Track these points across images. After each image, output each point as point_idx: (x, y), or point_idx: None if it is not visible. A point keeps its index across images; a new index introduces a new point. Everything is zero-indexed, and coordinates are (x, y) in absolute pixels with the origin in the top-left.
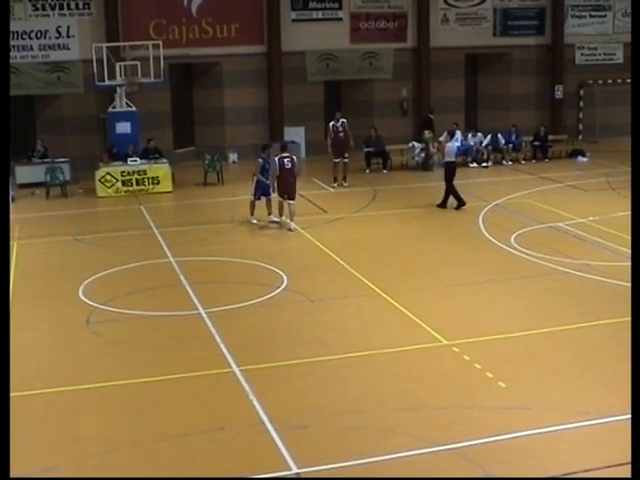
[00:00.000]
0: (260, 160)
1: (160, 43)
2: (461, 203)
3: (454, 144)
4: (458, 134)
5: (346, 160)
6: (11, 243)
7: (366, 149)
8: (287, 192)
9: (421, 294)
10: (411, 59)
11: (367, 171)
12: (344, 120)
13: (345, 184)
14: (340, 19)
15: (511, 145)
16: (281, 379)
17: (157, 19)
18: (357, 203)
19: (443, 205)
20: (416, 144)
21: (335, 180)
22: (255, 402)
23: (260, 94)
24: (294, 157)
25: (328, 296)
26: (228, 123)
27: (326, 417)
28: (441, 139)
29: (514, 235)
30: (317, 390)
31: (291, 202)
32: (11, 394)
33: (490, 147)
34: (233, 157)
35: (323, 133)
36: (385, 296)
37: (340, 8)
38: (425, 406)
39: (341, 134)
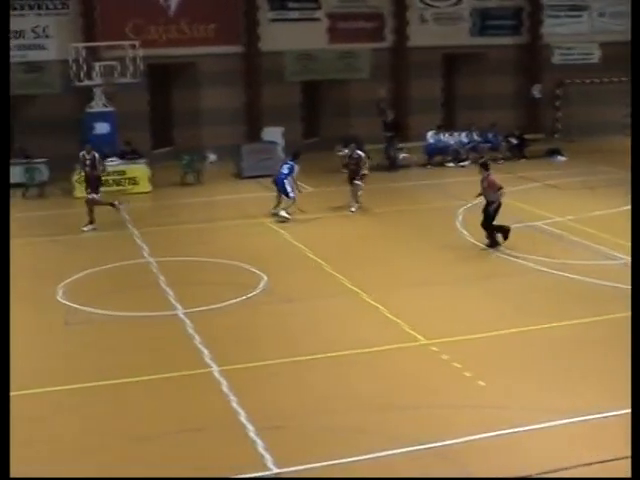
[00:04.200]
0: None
1: (137, 43)
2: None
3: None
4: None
5: (354, 185)
6: None
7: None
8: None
9: (400, 293)
10: (389, 59)
11: (345, 171)
12: (360, 153)
13: (352, 209)
14: (318, 19)
15: (489, 144)
16: (259, 379)
17: (135, 19)
18: (336, 203)
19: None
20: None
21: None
22: (233, 402)
23: (238, 94)
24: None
25: (306, 296)
26: (206, 123)
27: (303, 417)
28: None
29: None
30: (294, 390)
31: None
32: None
33: (468, 146)
34: (212, 157)
35: (301, 133)
36: (363, 295)
37: (318, 8)
38: (402, 405)
39: (353, 166)
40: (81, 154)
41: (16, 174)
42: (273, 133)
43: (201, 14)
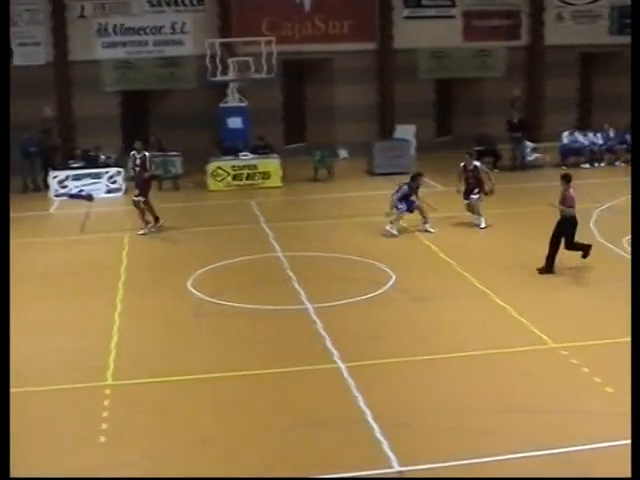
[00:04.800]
0: (405, 187)
1: (273, 39)
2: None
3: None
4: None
5: (470, 200)
6: (123, 235)
7: (476, 148)
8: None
9: (531, 296)
10: (524, 58)
11: (461, 188)
12: (476, 164)
13: (482, 225)
14: (453, 17)
15: (625, 145)
16: (384, 377)
17: (270, 16)
18: None
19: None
20: (529, 144)
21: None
22: (358, 399)
23: (371, 91)
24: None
25: (434, 295)
26: (339, 120)
27: (429, 416)
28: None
29: (626, 237)
30: (421, 389)
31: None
32: (115, 382)
33: (604, 147)
34: (343, 153)
35: (433, 131)
36: (493, 297)
37: (453, 6)
38: (528, 409)
39: (471, 180)
40: (132, 153)
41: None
42: (405, 131)
43: (336, 11)
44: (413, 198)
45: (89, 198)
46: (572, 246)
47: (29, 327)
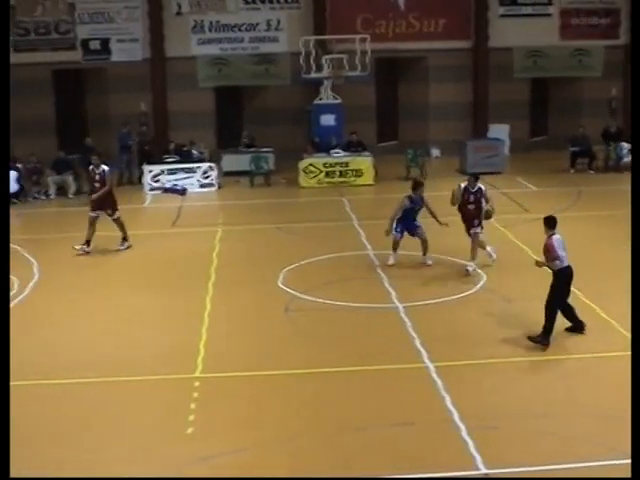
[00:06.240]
0: (406, 200)
1: (368, 37)
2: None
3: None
4: None
5: (473, 233)
6: (215, 229)
7: (572, 148)
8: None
9: (621, 298)
10: (623, 57)
11: (572, 171)
12: (482, 187)
13: (468, 268)
14: (549, 15)
15: None
16: (473, 377)
17: (364, 13)
18: (560, 203)
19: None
20: (625, 145)
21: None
22: (446, 399)
23: (465, 90)
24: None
25: (525, 296)
26: (432, 118)
27: (519, 419)
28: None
29: None
30: (508, 391)
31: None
32: (204, 375)
33: None
34: (435, 152)
35: (528, 131)
36: (586, 300)
37: (550, 4)
38: (622, 416)
39: (471, 206)
40: (90, 168)
41: (243, 162)
42: (499, 130)
43: (431, 9)
44: (417, 222)
45: (183, 192)
46: (551, 307)
47: (122, 318)
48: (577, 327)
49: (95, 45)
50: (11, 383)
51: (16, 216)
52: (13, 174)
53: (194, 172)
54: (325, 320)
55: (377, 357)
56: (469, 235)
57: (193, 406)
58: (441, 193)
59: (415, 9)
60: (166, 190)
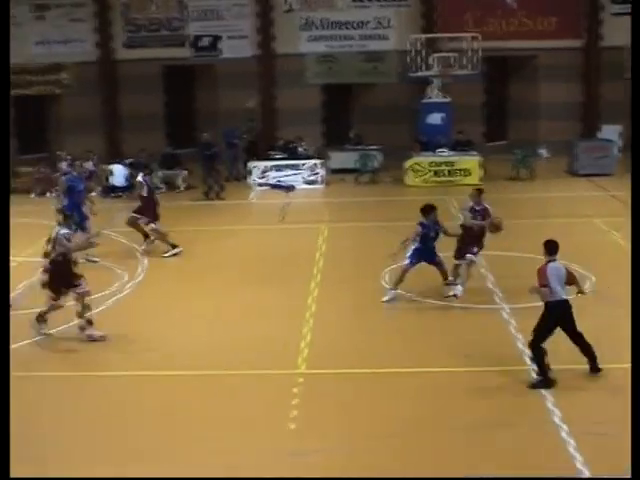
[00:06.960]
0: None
1: (478, 35)
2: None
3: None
4: None
5: (465, 259)
6: (320, 226)
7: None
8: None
9: None
10: None
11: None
12: (487, 206)
13: (451, 293)
14: None
15: None
16: (578, 381)
17: (474, 11)
18: None
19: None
20: None
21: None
22: (548, 402)
23: (576, 89)
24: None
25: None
26: (541, 118)
27: (622, 424)
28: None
29: None
30: (617, 397)
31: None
32: (307, 370)
33: None
34: (544, 153)
35: None
36: None
37: None
38: None
39: (475, 227)
40: (142, 178)
41: (350, 160)
42: (611, 131)
43: (542, 7)
44: (434, 249)
45: (290, 189)
46: (535, 344)
47: (226, 312)
48: (595, 366)
49: (205, 42)
50: (135, 373)
51: (121, 209)
52: (122, 170)
53: (300, 168)
54: (428, 319)
55: (480, 358)
56: (456, 259)
57: (296, 402)
58: (551, 194)
59: (526, 7)
60: (273, 186)
